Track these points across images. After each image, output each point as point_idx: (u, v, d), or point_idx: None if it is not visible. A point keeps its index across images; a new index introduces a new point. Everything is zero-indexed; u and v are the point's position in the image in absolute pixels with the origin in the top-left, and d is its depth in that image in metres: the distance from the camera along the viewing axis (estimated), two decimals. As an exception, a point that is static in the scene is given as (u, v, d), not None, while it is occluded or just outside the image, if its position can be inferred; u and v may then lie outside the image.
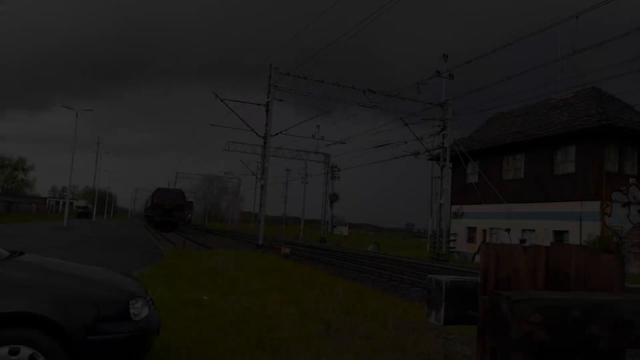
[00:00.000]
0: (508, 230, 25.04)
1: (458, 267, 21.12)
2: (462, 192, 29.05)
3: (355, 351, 4.72)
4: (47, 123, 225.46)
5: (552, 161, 23.25)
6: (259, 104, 23.38)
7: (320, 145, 41.19)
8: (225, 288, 8.16)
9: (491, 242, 1.92)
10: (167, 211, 43.61)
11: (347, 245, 38.69)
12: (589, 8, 13.11)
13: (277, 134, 25.27)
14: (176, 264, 12.11)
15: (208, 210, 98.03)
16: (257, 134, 23.61)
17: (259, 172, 47.22)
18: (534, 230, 23.64)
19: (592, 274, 1.95)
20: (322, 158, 43.91)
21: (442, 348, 4.99)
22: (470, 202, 27.87)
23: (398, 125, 27.30)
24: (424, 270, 17.52)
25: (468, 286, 2.05)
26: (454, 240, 29.38)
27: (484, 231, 27.24)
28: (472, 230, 28.50)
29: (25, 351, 2.94)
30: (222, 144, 39.93)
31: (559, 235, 22.47)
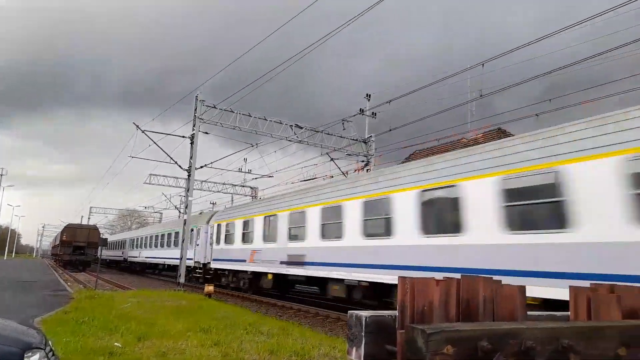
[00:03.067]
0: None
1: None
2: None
3: (280, 393, 4.56)
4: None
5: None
6: (183, 136, 22.77)
7: (247, 179, 40.76)
8: (141, 332, 7.59)
9: (407, 276, 1.97)
10: (78, 249, 40.30)
11: (274, 281, 37.88)
12: (493, 57, 14.71)
13: (201, 167, 24.65)
14: (86, 308, 11.10)
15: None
16: (180, 167, 22.84)
17: (182, 206, 45.47)
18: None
19: (498, 304, 2.07)
20: (249, 192, 43.40)
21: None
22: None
23: (324, 160, 27.92)
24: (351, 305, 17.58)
25: (387, 321, 2.08)
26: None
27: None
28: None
29: None
30: (143, 176, 38.01)
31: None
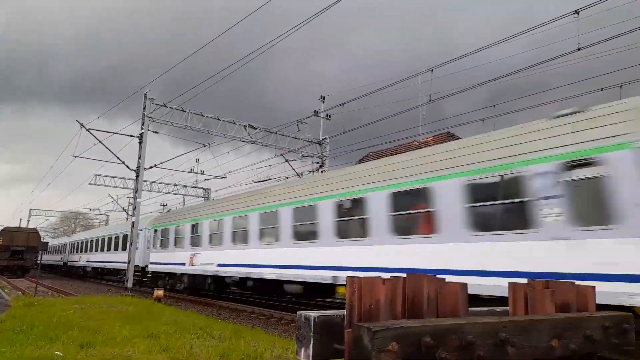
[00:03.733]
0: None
1: (341, 299, 21.61)
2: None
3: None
4: None
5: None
6: (131, 135, 21.96)
7: (199, 180, 39.90)
8: (85, 339, 7.24)
9: (355, 276, 2.00)
10: (16, 253, 37.93)
11: (228, 283, 37.30)
12: (442, 63, 15.29)
13: (151, 168, 23.88)
14: (24, 316, 10.44)
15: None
16: (128, 167, 21.98)
17: (130, 208, 43.85)
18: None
19: (441, 301, 2.14)
20: (202, 193, 42.47)
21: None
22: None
23: (279, 161, 27.82)
24: (307, 305, 17.58)
25: (336, 320, 2.10)
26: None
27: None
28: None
29: None
30: (87, 176, 36.19)
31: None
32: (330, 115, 27.71)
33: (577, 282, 2.50)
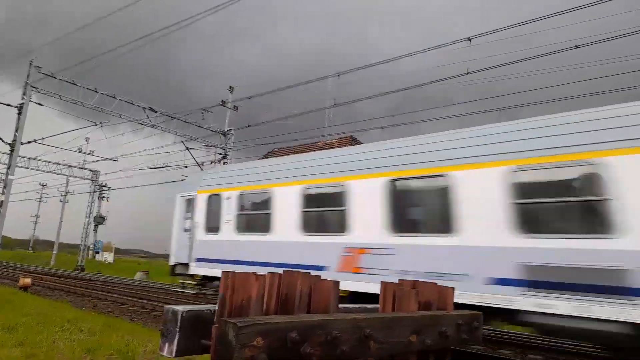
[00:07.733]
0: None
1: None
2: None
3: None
4: None
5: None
6: (8, 104, 19.41)
7: (87, 160, 36.63)
8: None
9: (230, 271, 1.95)
10: None
11: (111, 274, 34.92)
12: (348, 70, 15.85)
13: (29, 142, 21.34)
14: None
15: None
16: (1, 139, 19.42)
17: (1, 185, 38.88)
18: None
19: (315, 297, 2.18)
20: (89, 175, 39.01)
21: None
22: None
23: (178, 148, 26.61)
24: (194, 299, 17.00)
25: (206, 315, 2.04)
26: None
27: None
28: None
29: None
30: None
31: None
32: (237, 107, 27.22)
33: (439, 283, 2.71)
